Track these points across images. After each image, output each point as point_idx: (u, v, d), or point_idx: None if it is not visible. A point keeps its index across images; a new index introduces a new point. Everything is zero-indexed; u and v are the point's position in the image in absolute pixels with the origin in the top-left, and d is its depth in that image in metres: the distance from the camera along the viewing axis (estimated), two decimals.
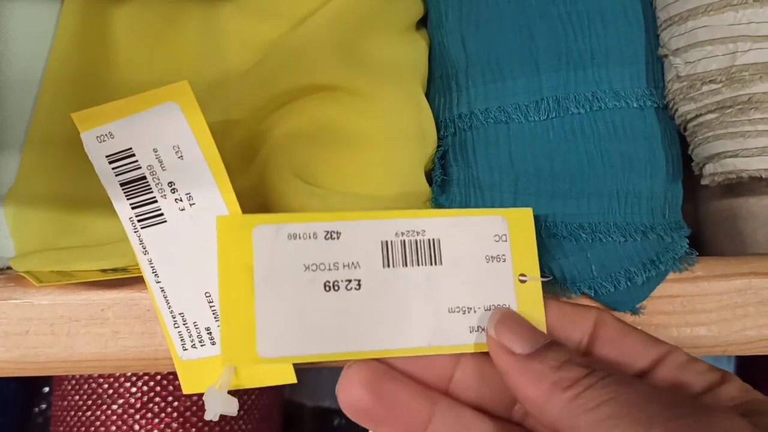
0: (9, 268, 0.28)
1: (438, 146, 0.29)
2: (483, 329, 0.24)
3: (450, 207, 0.28)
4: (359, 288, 0.23)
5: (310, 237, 0.23)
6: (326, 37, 0.26)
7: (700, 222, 0.32)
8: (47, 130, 0.28)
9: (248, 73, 0.27)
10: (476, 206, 0.27)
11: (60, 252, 0.27)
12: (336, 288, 0.23)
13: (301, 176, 0.26)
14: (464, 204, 0.28)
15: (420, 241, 0.24)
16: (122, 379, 0.43)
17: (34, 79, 0.29)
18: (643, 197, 0.26)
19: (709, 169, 0.26)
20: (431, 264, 0.24)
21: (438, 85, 0.29)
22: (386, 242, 0.24)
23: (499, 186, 0.27)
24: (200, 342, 0.25)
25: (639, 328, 0.27)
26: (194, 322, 0.24)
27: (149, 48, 0.30)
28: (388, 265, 0.24)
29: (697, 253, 0.27)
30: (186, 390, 0.25)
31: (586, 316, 0.24)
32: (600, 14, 0.26)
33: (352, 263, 0.23)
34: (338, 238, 0.23)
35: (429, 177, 0.29)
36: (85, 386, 0.43)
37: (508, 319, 0.23)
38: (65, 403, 0.44)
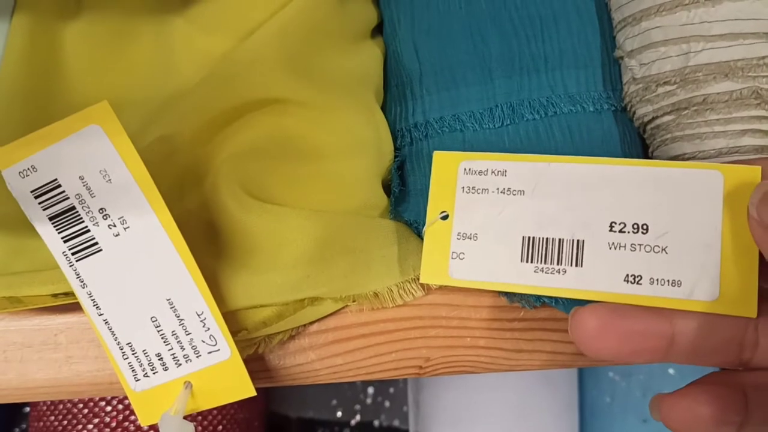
0: None
1: (395, 156, 0.28)
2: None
3: (408, 217, 0.28)
4: None
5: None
6: (274, 49, 0.26)
7: None
8: None
9: (196, 87, 0.27)
10: (428, 215, 0.27)
11: (11, 277, 0.26)
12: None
13: (252, 192, 0.26)
14: (420, 214, 0.27)
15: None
16: (97, 399, 0.42)
17: None
18: None
19: None
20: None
21: (394, 94, 0.29)
22: None
23: None
24: (152, 370, 0.24)
25: None
26: (143, 350, 0.24)
27: (100, 64, 0.29)
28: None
29: None
30: (144, 422, 0.25)
31: None
32: (553, 17, 0.26)
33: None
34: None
35: (387, 188, 0.28)
36: (60, 406, 0.43)
37: None
38: (41, 423, 0.44)
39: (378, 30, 0.30)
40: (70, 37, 0.29)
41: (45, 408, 0.44)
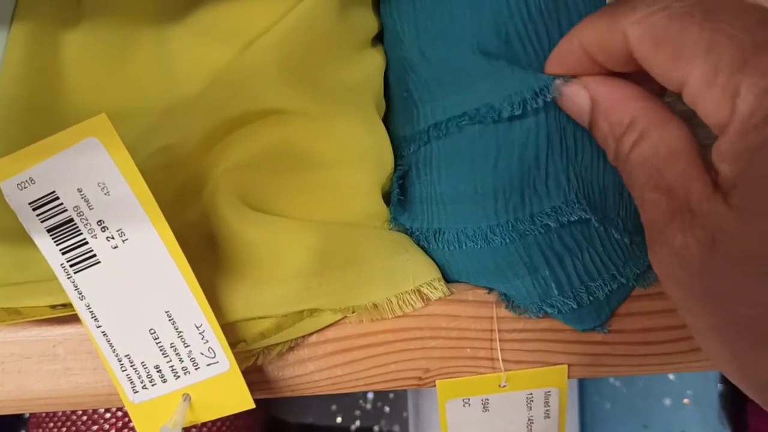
0: None
1: (398, 165, 0.28)
2: None
3: (412, 225, 0.27)
4: None
5: None
6: (274, 59, 0.26)
7: None
8: None
9: (197, 98, 0.26)
10: (439, 223, 0.27)
11: (9, 288, 0.26)
12: None
13: (251, 203, 0.25)
14: (429, 221, 0.27)
15: None
16: None
17: None
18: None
19: None
20: None
21: (401, 103, 0.28)
22: None
23: (461, 197, 0.26)
24: (151, 382, 0.24)
25: (606, 347, 0.27)
26: (142, 362, 0.24)
27: (100, 74, 0.29)
28: None
29: None
30: None
31: None
32: (558, 31, 0.25)
33: None
34: None
35: (386, 198, 0.28)
36: (59, 413, 0.43)
37: None
38: (40, 430, 0.44)
39: (378, 38, 0.30)
40: (70, 46, 0.29)
41: (44, 415, 0.43)
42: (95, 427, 0.42)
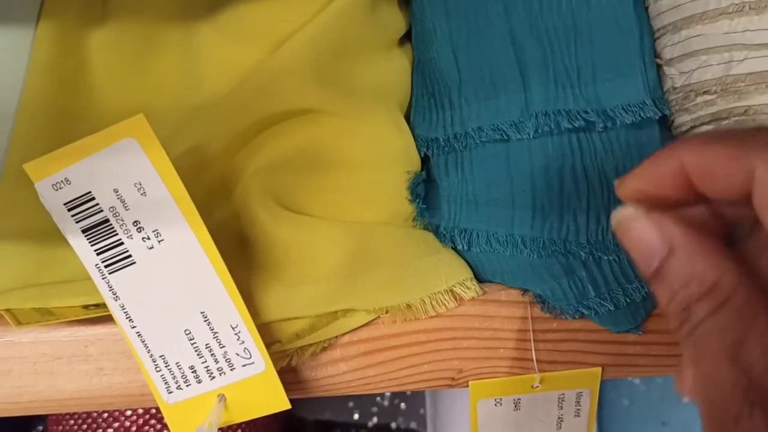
0: None
1: (424, 164, 0.28)
2: None
3: (439, 223, 0.27)
4: None
5: None
6: (304, 60, 0.25)
7: None
8: (24, 163, 0.27)
9: (225, 99, 0.26)
10: (468, 222, 0.26)
11: (41, 288, 0.26)
12: None
13: (283, 203, 0.25)
14: (455, 220, 0.27)
15: None
16: None
17: (10, 111, 0.28)
18: None
19: None
20: None
21: (430, 102, 0.28)
22: None
23: (496, 201, 0.26)
24: (185, 382, 0.24)
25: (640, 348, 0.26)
26: (177, 363, 0.24)
27: (126, 74, 0.29)
28: None
29: None
30: None
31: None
32: (588, 29, 0.25)
33: None
34: None
35: None
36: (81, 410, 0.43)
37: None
38: (60, 427, 0.44)
39: (406, 37, 0.30)
40: (96, 45, 0.29)
41: (65, 411, 0.43)
42: (116, 424, 0.42)
